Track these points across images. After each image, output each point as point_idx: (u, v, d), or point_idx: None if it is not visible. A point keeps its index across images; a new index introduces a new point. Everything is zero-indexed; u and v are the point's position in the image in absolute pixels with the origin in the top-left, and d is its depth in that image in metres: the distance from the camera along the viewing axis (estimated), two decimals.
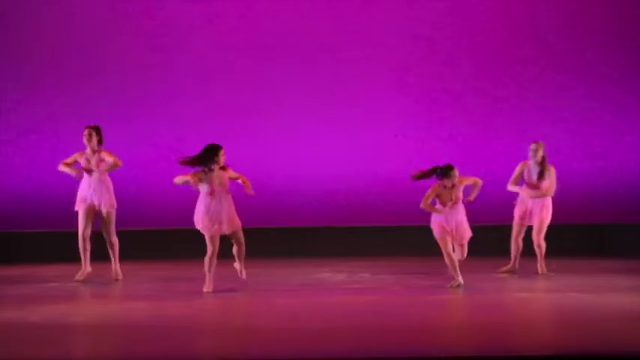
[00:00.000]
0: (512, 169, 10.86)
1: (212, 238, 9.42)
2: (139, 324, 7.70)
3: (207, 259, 9.45)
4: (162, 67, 13.18)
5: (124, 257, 10.64)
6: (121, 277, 10.47)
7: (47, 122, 13.06)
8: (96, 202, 10.32)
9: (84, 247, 10.31)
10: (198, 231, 9.46)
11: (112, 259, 10.49)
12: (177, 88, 13.22)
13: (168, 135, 13.15)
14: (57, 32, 13.17)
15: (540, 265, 10.67)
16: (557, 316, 8.28)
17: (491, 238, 11.56)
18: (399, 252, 12.64)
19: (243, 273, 9.78)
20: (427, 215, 9.85)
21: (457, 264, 9.72)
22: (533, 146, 10.65)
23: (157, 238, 12.91)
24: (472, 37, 13.36)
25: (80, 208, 10.35)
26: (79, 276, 10.34)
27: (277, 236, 12.89)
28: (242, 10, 13.34)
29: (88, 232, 10.32)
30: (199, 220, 9.44)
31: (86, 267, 10.34)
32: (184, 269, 11.38)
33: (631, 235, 12.70)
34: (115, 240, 10.43)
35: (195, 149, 9.46)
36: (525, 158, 10.78)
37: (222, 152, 9.45)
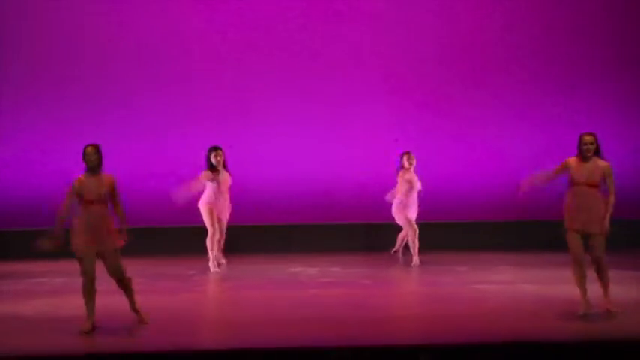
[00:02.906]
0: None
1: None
2: (125, 317, 7.87)
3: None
4: (152, 68, 13.33)
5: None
6: None
7: (37, 123, 13.22)
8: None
9: None
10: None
11: None
12: (163, 89, 13.34)
13: (156, 135, 13.26)
14: (50, 37, 13.33)
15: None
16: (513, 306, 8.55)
17: None
18: (367, 248, 12.88)
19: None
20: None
21: None
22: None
23: (142, 235, 13.02)
24: (462, 43, 13.52)
25: None
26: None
27: (252, 233, 13.06)
28: (233, 13, 13.46)
29: None
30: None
31: None
32: (168, 265, 11.73)
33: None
34: None
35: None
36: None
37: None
